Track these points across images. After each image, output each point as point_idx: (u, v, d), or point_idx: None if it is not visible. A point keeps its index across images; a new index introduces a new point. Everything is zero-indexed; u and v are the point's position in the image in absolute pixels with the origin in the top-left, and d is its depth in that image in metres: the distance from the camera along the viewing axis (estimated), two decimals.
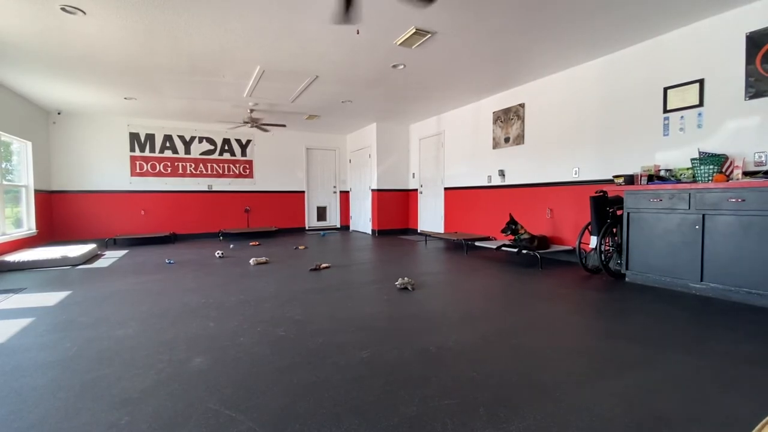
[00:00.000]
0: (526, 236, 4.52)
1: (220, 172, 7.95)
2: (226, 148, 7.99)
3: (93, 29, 3.45)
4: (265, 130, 7.17)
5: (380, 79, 5.02)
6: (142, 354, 2.02)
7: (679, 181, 3.33)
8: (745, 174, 3.01)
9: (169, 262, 4.84)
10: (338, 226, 9.37)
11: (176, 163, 7.55)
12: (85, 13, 3.14)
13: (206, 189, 7.83)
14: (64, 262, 4.67)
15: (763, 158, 3.06)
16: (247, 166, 8.21)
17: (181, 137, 7.58)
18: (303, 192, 8.85)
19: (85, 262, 4.92)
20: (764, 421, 0.72)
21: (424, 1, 2.46)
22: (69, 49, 3.90)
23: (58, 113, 6.65)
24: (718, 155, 3.10)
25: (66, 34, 3.55)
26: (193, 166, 7.70)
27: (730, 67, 3.24)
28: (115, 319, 2.60)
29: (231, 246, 5.50)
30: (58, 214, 6.72)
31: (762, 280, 2.71)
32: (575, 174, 4.62)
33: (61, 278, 3.98)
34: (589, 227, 3.87)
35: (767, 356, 1.93)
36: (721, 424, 1.37)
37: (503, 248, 4.77)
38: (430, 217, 7.58)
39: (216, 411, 1.47)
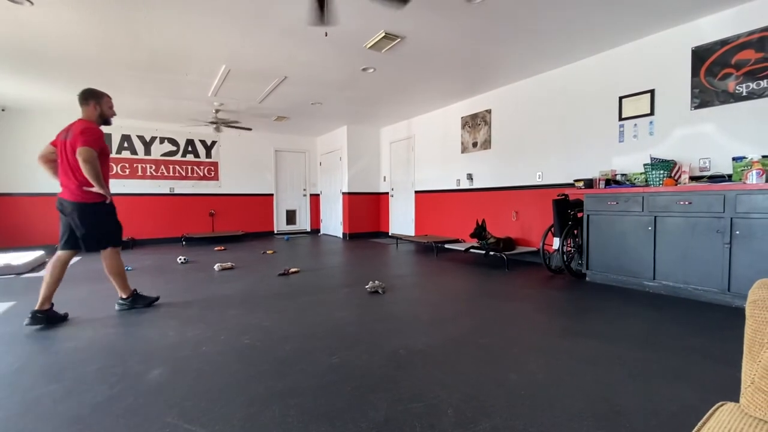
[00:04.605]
0: (492, 240, 4.64)
1: (183, 174, 7.63)
2: (190, 149, 7.69)
3: (42, 21, 3.22)
4: (221, 129, 6.94)
5: (350, 82, 5.00)
6: (93, 367, 1.89)
7: (633, 185, 3.52)
8: (692, 178, 3.23)
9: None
10: (308, 229, 9.23)
11: (135, 165, 7.18)
12: (32, 3, 2.93)
13: (168, 192, 7.49)
14: (6, 270, 4.31)
15: (707, 164, 3.30)
16: (212, 168, 7.93)
17: (141, 137, 7.22)
18: (272, 195, 8.65)
19: (31, 270, 4.56)
20: (702, 421, 0.76)
21: (399, 1, 2.46)
22: (15, 42, 3.62)
23: (2, 110, 6.16)
24: (668, 161, 3.31)
25: (10, 25, 3.29)
26: (154, 167, 7.35)
27: (678, 79, 3.47)
28: (64, 331, 2.43)
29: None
30: (0, 218, 6.20)
31: (707, 277, 2.91)
32: (539, 178, 4.79)
33: (4, 288, 3.67)
34: (552, 229, 4.01)
35: (714, 349, 2.06)
36: (674, 414, 1.44)
37: (471, 250, 4.87)
38: (401, 220, 7.62)
39: (174, 425, 1.40)
